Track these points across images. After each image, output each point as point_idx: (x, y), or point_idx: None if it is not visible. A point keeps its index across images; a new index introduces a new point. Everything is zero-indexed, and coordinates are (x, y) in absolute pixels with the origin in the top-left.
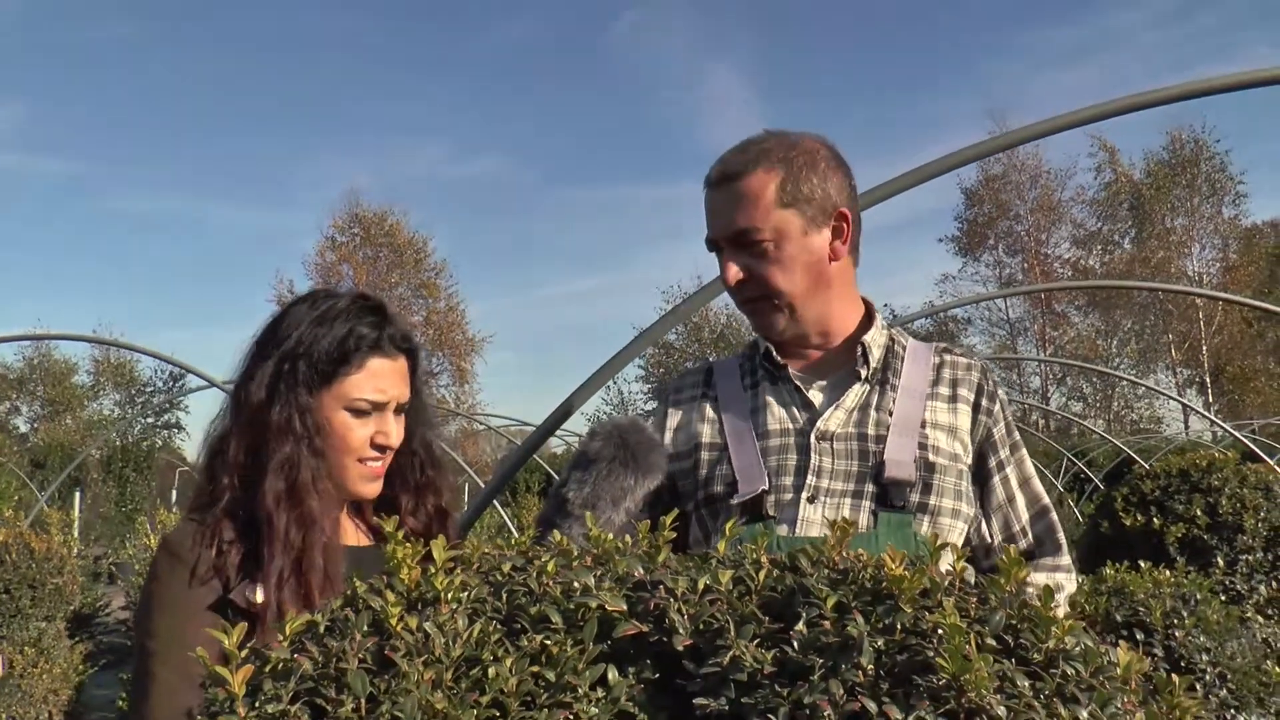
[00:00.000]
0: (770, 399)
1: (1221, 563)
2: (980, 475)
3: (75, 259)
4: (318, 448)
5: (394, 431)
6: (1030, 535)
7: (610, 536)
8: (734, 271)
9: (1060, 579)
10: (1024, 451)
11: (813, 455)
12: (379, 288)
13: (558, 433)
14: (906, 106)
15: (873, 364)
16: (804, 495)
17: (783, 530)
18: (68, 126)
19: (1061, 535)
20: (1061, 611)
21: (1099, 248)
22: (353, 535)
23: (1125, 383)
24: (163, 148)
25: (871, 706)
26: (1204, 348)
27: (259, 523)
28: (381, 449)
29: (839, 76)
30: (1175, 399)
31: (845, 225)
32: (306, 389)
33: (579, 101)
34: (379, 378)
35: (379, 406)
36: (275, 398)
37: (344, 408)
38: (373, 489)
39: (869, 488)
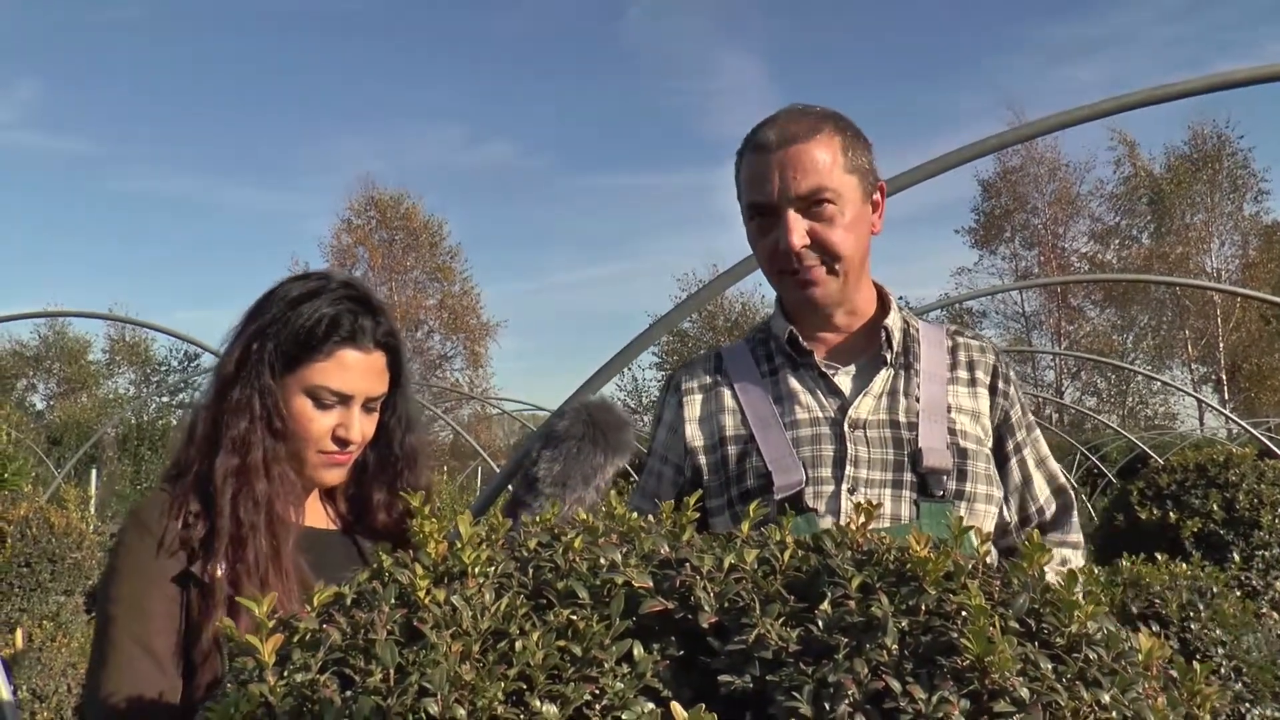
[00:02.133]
0: (796, 386)
1: (1237, 558)
2: (998, 458)
3: (89, 239)
4: (276, 429)
5: (357, 426)
6: (1047, 514)
7: (635, 515)
8: (801, 235)
9: (1066, 553)
10: (1038, 431)
11: (848, 445)
12: (394, 271)
13: None
14: (920, 99)
15: (895, 347)
16: (845, 486)
17: (827, 523)
18: (82, 107)
19: (1075, 513)
20: (1051, 576)
21: (1117, 242)
22: (321, 518)
23: (1140, 378)
24: (176, 129)
25: (895, 685)
26: (1221, 344)
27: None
28: (343, 443)
29: (852, 68)
30: (1191, 394)
31: (881, 200)
32: (270, 370)
33: (592, 88)
34: (348, 370)
35: (344, 399)
36: (240, 374)
37: (306, 394)
38: (333, 476)
39: (907, 477)
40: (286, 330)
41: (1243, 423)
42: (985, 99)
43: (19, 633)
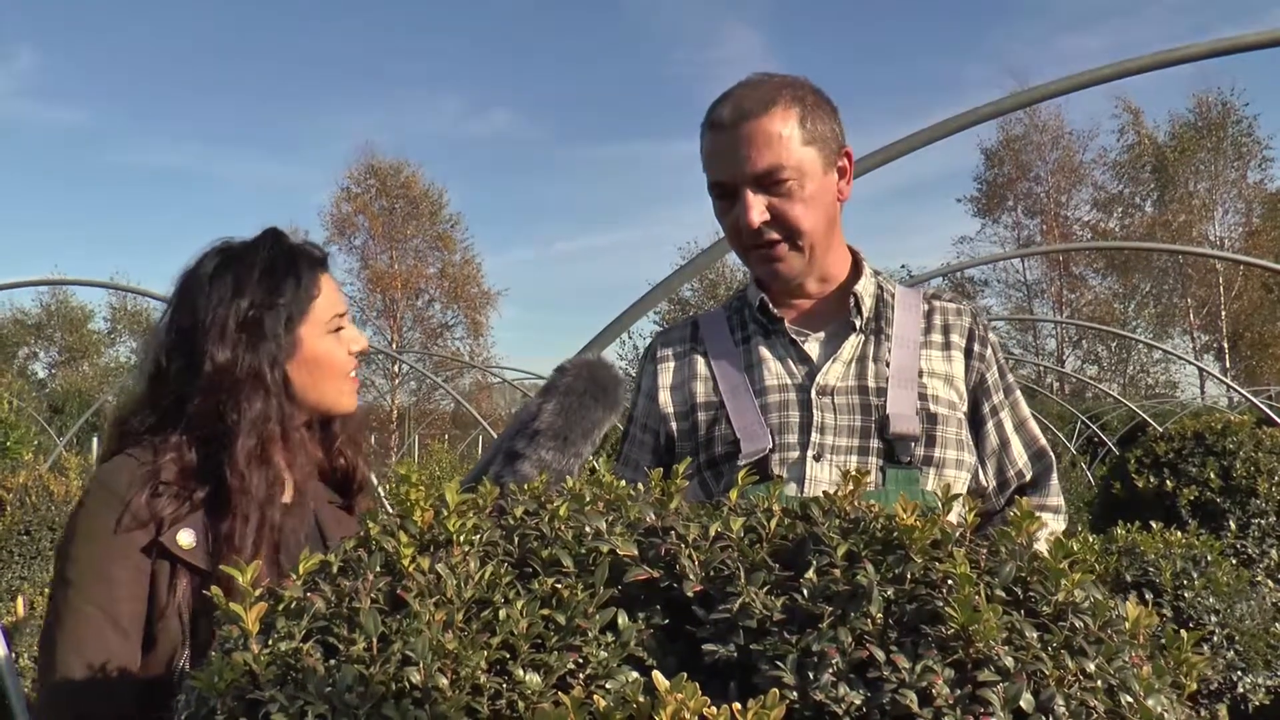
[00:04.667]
0: (766, 353)
1: (1233, 526)
2: (974, 421)
3: (91, 208)
4: (292, 395)
5: (359, 335)
6: (1026, 477)
7: (624, 483)
8: (760, 212)
9: (1045, 517)
10: (1018, 393)
11: (815, 411)
12: (394, 240)
13: None
14: (924, 67)
15: (866, 313)
16: (810, 453)
17: (791, 490)
18: (81, 76)
19: (1055, 476)
20: (1042, 547)
21: (1119, 210)
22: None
23: (1141, 346)
24: (177, 99)
25: (880, 655)
26: (1223, 313)
27: (220, 474)
28: (359, 355)
29: (856, 37)
30: (1192, 363)
31: (849, 165)
32: (274, 341)
33: (593, 57)
34: (333, 290)
35: (341, 316)
36: (240, 356)
37: (327, 332)
38: (354, 398)
39: (874, 443)
40: (283, 292)
41: (1243, 391)
42: (992, 68)
43: (20, 601)
